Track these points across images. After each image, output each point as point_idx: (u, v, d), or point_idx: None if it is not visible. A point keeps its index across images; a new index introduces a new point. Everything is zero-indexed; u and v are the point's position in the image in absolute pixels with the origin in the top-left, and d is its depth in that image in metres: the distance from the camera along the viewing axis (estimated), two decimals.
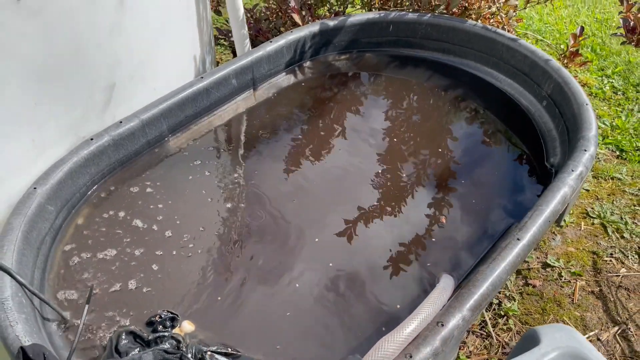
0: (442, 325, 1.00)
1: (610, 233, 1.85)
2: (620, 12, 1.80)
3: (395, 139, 1.68)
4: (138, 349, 1.06)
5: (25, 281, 1.07)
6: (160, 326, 1.12)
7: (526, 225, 1.18)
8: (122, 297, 1.19)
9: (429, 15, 1.96)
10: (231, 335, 1.13)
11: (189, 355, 1.05)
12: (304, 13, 2.12)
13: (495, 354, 1.51)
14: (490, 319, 1.59)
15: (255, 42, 2.26)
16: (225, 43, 2.82)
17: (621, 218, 1.90)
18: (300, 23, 2.06)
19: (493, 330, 1.56)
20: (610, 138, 2.29)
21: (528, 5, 2.22)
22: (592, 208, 1.94)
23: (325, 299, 1.21)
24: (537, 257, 1.77)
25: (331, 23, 1.95)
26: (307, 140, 1.67)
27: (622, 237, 1.84)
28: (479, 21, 2.07)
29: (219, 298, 1.20)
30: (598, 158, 2.19)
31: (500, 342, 1.53)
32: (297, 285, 1.24)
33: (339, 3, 2.34)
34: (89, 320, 1.14)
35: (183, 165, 1.54)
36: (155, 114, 1.53)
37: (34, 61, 1.22)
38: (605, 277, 1.71)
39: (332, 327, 1.16)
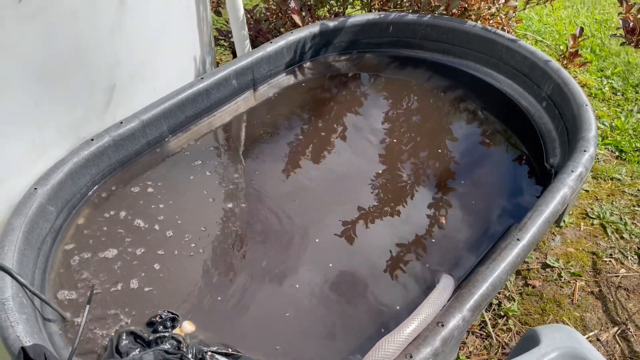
0: (442, 325, 1.01)
1: (609, 233, 1.85)
2: (619, 13, 1.80)
3: (395, 140, 1.68)
4: (139, 349, 1.06)
5: (26, 281, 1.07)
6: (161, 326, 1.12)
7: (526, 226, 1.18)
8: (123, 297, 1.19)
9: (429, 16, 1.96)
10: (231, 336, 1.13)
11: (190, 356, 1.05)
12: (304, 14, 2.12)
13: (495, 354, 1.51)
14: (490, 319, 1.59)
15: (255, 43, 2.27)
16: (225, 44, 2.82)
17: (620, 218, 1.90)
18: (300, 24, 2.06)
19: (493, 331, 1.56)
20: (609, 139, 2.29)
21: (527, 6, 2.22)
22: (592, 208, 1.95)
23: (326, 300, 1.21)
24: (537, 258, 1.78)
25: (331, 24, 1.96)
26: (308, 140, 1.67)
27: (622, 237, 1.84)
28: (479, 22, 2.07)
29: (219, 298, 1.21)
30: (597, 159, 2.19)
31: (500, 342, 1.53)
32: (297, 285, 1.24)
33: (338, 4, 2.35)
34: (90, 321, 1.14)
35: (184, 165, 1.54)
36: (156, 115, 1.54)
37: (35, 61, 1.22)
38: (604, 277, 1.71)
39: (332, 328, 1.16)
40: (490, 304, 1.62)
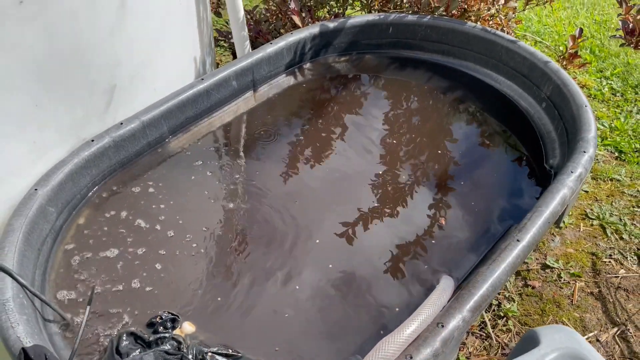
0: (442, 326, 1.01)
1: (609, 234, 1.85)
2: (619, 14, 1.80)
3: (395, 141, 1.68)
4: (139, 350, 1.07)
5: (27, 282, 1.07)
6: (161, 327, 1.12)
7: (526, 227, 1.18)
8: (124, 297, 1.19)
9: (429, 17, 1.97)
10: (231, 336, 1.13)
11: (190, 357, 1.05)
12: (303, 15, 2.12)
13: (495, 355, 1.51)
14: (489, 319, 1.59)
15: (255, 44, 2.27)
16: (225, 44, 2.82)
17: (620, 219, 1.91)
18: (300, 25, 2.07)
19: (492, 331, 1.56)
20: (609, 139, 2.29)
21: (527, 7, 2.23)
22: (591, 209, 1.95)
23: (326, 300, 1.21)
24: (537, 258, 1.78)
25: (331, 25, 1.96)
26: (308, 141, 1.67)
27: (621, 238, 1.85)
28: (478, 23, 2.07)
29: (219, 299, 1.21)
30: (597, 159, 2.20)
31: (499, 343, 1.54)
32: (297, 286, 1.24)
33: (338, 5, 2.35)
34: (91, 321, 1.14)
35: (185, 165, 1.55)
36: (156, 116, 1.54)
37: (35, 62, 1.22)
38: (604, 278, 1.72)
39: (332, 328, 1.16)
40: (490, 305, 1.63)
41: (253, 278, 1.26)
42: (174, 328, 1.13)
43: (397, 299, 1.22)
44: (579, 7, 3.47)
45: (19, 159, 1.28)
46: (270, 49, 1.82)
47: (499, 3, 2.09)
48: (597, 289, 1.68)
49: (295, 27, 2.11)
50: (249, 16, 2.34)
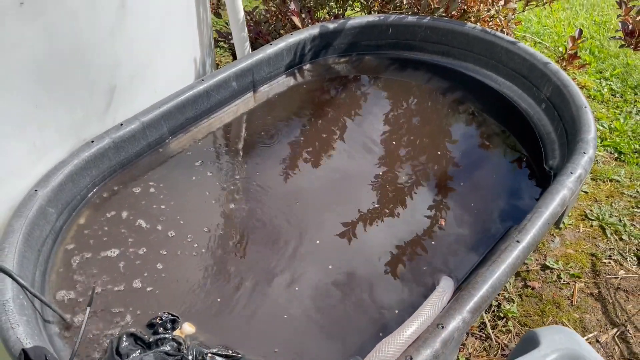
0: (442, 327, 1.01)
1: (608, 235, 1.86)
2: (618, 16, 1.81)
3: (394, 142, 1.68)
4: (139, 351, 1.07)
5: (27, 283, 1.07)
6: (161, 328, 1.12)
7: (525, 228, 1.19)
8: (125, 297, 1.19)
9: (429, 18, 1.97)
10: (231, 337, 1.13)
11: (190, 358, 1.05)
12: (303, 16, 2.12)
13: (495, 355, 1.51)
14: (489, 320, 1.59)
15: (255, 45, 2.27)
16: (225, 45, 2.82)
17: (620, 220, 1.91)
18: (300, 26, 2.07)
19: (492, 332, 1.56)
20: (608, 140, 2.30)
21: (527, 8, 2.23)
22: (591, 210, 1.95)
23: (326, 302, 1.21)
24: (536, 259, 1.78)
25: (331, 26, 1.96)
26: (308, 142, 1.67)
27: (621, 239, 1.85)
28: (478, 24, 2.08)
29: (219, 299, 1.21)
30: (596, 160, 2.20)
31: (499, 343, 1.54)
32: (297, 288, 1.24)
33: (338, 6, 2.35)
34: (91, 321, 1.14)
35: (185, 166, 1.55)
36: (156, 116, 1.54)
37: (35, 63, 1.22)
38: (604, 279, 1.72)
39: (332, 329, 1.16)
40: (490, 306, 1.63)
41: (253, 279, 1.26)
42: (174, 329, 1.13)
43: (397, 300, 1.22)
44: (579, 8, 3.47)
45: (19, 160, 1.28)
46: (270, 50, 1.82)
47: (499, 4, 2.09)
48: (597, 290, 1.68)
49: (295, 28, 2.11)
50: (248, 17, 2.35)
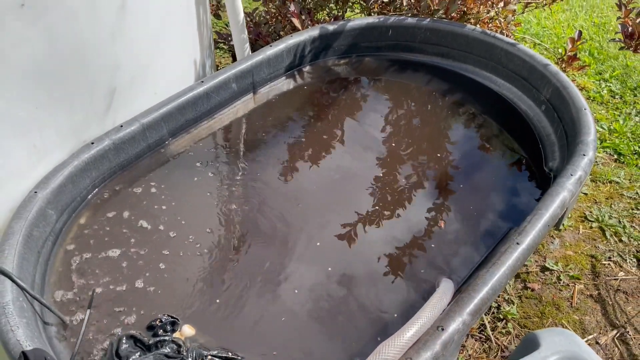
0: (443, 329, 1.01)
1: (608, 236, 1.86)
2: (618, 18, 1.81)
3: (394, 143, 1.69)
4: (139, 353, 1.06)
5: (26, 285, 1.07)
6: (161, 330, 1.12)
7: (525, 230, 1.19)
8: (126, 297, 1.19)
9: (428, 19, 1.97)
10: (231, 340, 1.13)
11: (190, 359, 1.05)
12: (303, 17, 2.12)
13: (495, 357, 1.51)
14: (489, 322, 1.59)
15: (255, 46, 2.27)
16: (225, 47, 2.83)
17: (619, 221, 1.91)
18: (300, 27, 2.07)
19: (492, 334, 1.56)
20: (608, 142, 2.30)
21: (526, 9, 2.23)
22: (591, 212, 1.95)
23: (325, 304, 1.21)
24: (536, 261, 1.78)
25: (331, 27, 1.96)
26: (308, 143, 1.67)
27: (621, 240, 1.85)
28: (478, 26, 2.08)
29: (218, 301, 1.21)
30: (596, 162, 2.20)
31: (499, 345, 1.54)
32: (296, 290, 1.24)
33: (338, 7, 2.35)
34: (91, 322, 1.14)
35: (186, 167, 1.55)
36: (156, 118, 1.54)
37: (36, 64, 1.22)
38: (603, 280, 1.72)
39: (331, 332, 1.16)
40: (490, 307, 1.63)
41: (253, 281, 1.26)
42: (173, 331, 1.13)
43: (397, 302, 1.22)
44: (578, 10, 3.47)
45: (19, 162, 1.28)
46: (270, 51, 1.82)
47: (498, 6, 2.10)
48: (597, 292, 1.68)
49: (295, 29, 2.11)
50: (248, 18, 2.35)
